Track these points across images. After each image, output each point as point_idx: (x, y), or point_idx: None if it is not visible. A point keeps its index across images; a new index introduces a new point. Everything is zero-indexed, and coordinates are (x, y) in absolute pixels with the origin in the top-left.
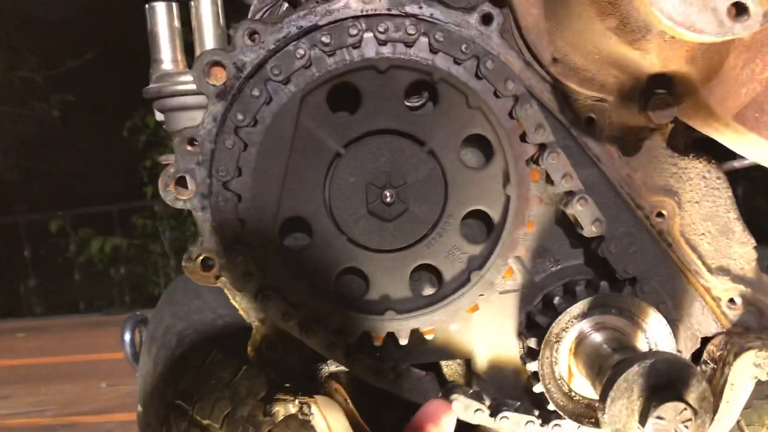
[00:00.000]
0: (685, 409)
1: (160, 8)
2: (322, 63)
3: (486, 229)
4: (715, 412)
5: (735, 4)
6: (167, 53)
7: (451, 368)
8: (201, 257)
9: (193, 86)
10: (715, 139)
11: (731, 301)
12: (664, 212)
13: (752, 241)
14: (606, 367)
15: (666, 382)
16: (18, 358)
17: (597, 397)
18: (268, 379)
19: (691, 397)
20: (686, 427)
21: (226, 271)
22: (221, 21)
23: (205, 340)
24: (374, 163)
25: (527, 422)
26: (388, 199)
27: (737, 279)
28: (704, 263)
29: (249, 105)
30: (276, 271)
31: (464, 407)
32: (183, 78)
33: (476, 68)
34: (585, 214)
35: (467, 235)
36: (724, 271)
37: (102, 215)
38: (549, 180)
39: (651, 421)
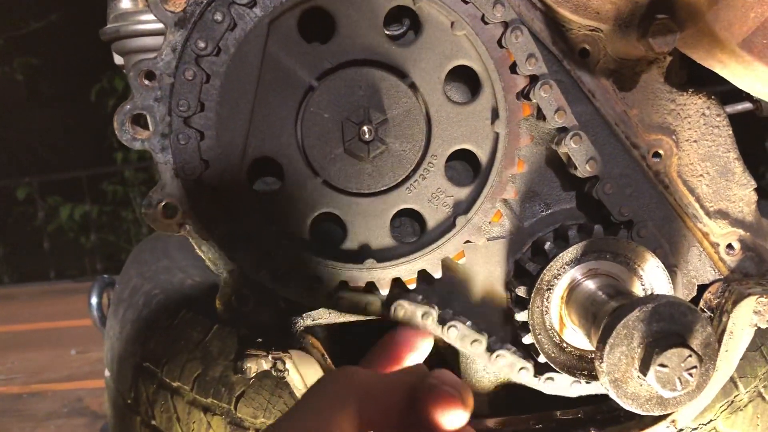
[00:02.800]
0: (690, 355)
1: None
2: None
3: (472, 171)
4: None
5: None
6: None
7: None
8: (162, 203)
9: (155, 26)
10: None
11: (729, 246)
12: (660, 152)
13: (752, 183)
14: (602, 314)
15: (669, 327)
16: None
17: (590, 348)
18: (238, 335)
19: (696, 342)
20: (690, 375)
21: (191, 218)
22: None
23: (173, 300)
24: (350, 97)
25: (521, 368)
26: (367, 136)
27: (736, 223)
28: (702, 206)
29: (211, 31)
30: (245, 216)
31: (461, 336)
32: (143, 17)
33: None
34: (579, 152)
35: (452, 178)
36: (722, 214)
37: (71, 182)
38: (540, 116)
39: (653, 369)
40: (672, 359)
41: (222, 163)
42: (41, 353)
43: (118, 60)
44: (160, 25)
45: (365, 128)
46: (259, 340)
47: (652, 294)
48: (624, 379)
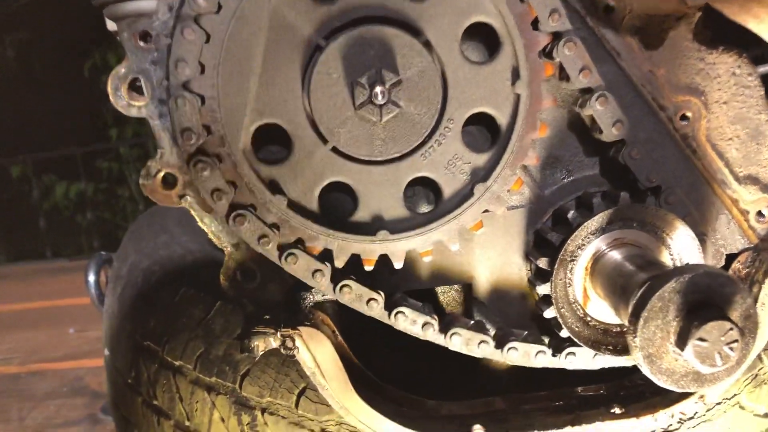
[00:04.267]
0: (732, 329)
1: None
2: None
3: (491, 136)
4: None
5: None
6: None
7: (447, 296)
8: (161, 173)
9: None
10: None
11: (760, 213)
12: (688, 114)
13: None
14: (632, 286)
15: (707, 299)
16: None
17: (616, 322)
18: (244, 312)
19: (735, 315)
20: (732, 349)
21: (191, 189)
22: None
23: (173, 276)
24: (361, 57)
25: (538, 353)
26: (379, 99)
27: (767, 189)
28: (731, 171)
29: None
30: (249, 186)
31: (466, 341)
32: None
33: None
34: (605, 114)
35: (470, 143)
36: (753, 179)
37: (65, 159)
38: (564, 76)
39: (692, 343)
40: (712, 333)
41: (224, 129)
42: (39, 332)
43: (111, 26)
44: None
45: (377, 90)
46: (267, 316)
47: (686, 264)
48: (658, 354)
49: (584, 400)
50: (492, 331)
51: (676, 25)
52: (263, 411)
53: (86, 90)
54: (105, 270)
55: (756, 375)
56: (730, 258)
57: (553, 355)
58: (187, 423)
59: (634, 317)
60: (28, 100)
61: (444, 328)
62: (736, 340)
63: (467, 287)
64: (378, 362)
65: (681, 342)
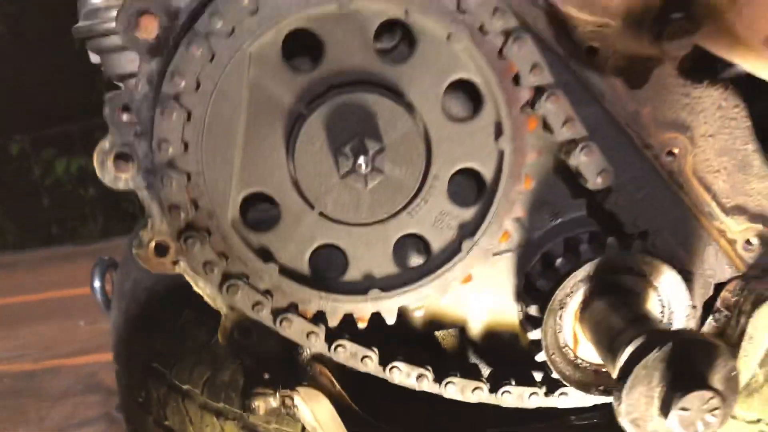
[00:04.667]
0: (713, 397)
1: None
2: (271, 6)
3: (477, 189)
4: None
5: None
6: None
7: (445, 337)
8: (153, 242)
9: None
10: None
11: (747, 242)
12: (675, 150)
13: None
14: (619, 343)
15: (689, 365)
16: None
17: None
18: (244, 367)
19: (717, 378)
20: (713, 416)
21: (184, 257)
22: None
23: (177, 297)
24: (344, 124)
25: (531, 394)
26: (363, 168)
27: (755, 218)
28: (718, 203)
29: (188, 65)
30: (240, 256)
31: (461, 389)
32: (115, 11)
33: (457, 1)
34: (590, 165)
35: (456, 196)
36: (740, 210)
37: (62, 134)
38: (547, 127)
39: (674, 412)
40: (693, 402)
41: (211, 203)
42: (50, 326)
43: (95, 59)
44: None
45: (361, 160)
46: (266, 376)
47: (669, 330)
48: (643, 418)
49: (578, 429)
50: (486, 374)
51: (661, 63)
52: None
53: (81, 63)
54: (109, 273)
55: (749, 384)
56: (719, 286)
57: (546, 395)
58: None
59: (620, 383)
60: (22, 76)
61: (438, 378)
62: (718, 407)
63: (461, 329)
64: (377, 401)
65: (664, 410)
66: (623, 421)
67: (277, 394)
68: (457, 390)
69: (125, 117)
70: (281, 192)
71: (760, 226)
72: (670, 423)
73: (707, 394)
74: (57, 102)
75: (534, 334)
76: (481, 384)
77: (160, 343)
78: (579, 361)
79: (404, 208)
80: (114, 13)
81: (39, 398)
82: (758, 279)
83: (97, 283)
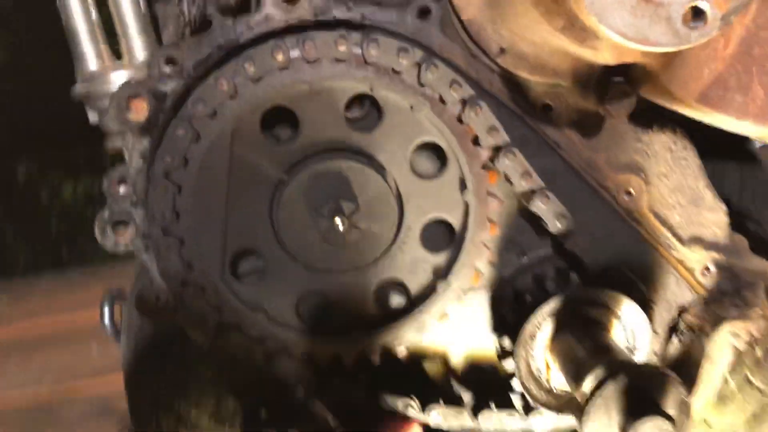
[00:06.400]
0: (665, 423)
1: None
2: (249, 91)
3: (449, 235)
4: (694, 381)
5: (692, 8)
6: (89, 51)
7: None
8: (153, 298)
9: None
10: None
11: (706, 268)
12: (631, 190)
13: (723, 207)
14: (582, 372)
15: (642, 394)
16: (3, 325)
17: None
18: (243, 408)
19: (670, 404)
20: None
21: (180, 313)
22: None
23: (183, 332)
24: (321, 187)
25: (509, 417)
26: (340, 227)
27: (710, 246)
28: (675, 235)
29: (176, 145)
30: (232, 308)
31: (444, 416)
32: (112, 75)
33: (417, 76)
34: (549, 212)
35: (430, 242)
36: (696, 240)
37: (69, 157)
38: (508, 180)
39: None
40: (649, 428)
41: (203, 264)
42: (64, 352)
43: (93, 118)
44: None
45: (338, 220)
46: (263, 414)
47: (625, 361)
48: None
49: None
50: (467, 400)
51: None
52: None
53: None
54: (118, 303)
55: (723, 395)
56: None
57: (523, 417)
58: None
59: (582, 415)
60: (24, 101)
61: (423, 407)
62: None
63: (444, 360)
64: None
65: None
66: None
67: None
68: (441, 417)
69: (122, 190)
70: (266, 248)
71: (715, 254)
72: None
73: (659, 421)
74: (59, 125)
75: (508, 364)
76: (462, 410)
77: (168, 376)
78: (552, 387)
79: (382, 256)
80: (109, 77)
81: (56, 427)
82: (717, 302)
83: (107, 320)
